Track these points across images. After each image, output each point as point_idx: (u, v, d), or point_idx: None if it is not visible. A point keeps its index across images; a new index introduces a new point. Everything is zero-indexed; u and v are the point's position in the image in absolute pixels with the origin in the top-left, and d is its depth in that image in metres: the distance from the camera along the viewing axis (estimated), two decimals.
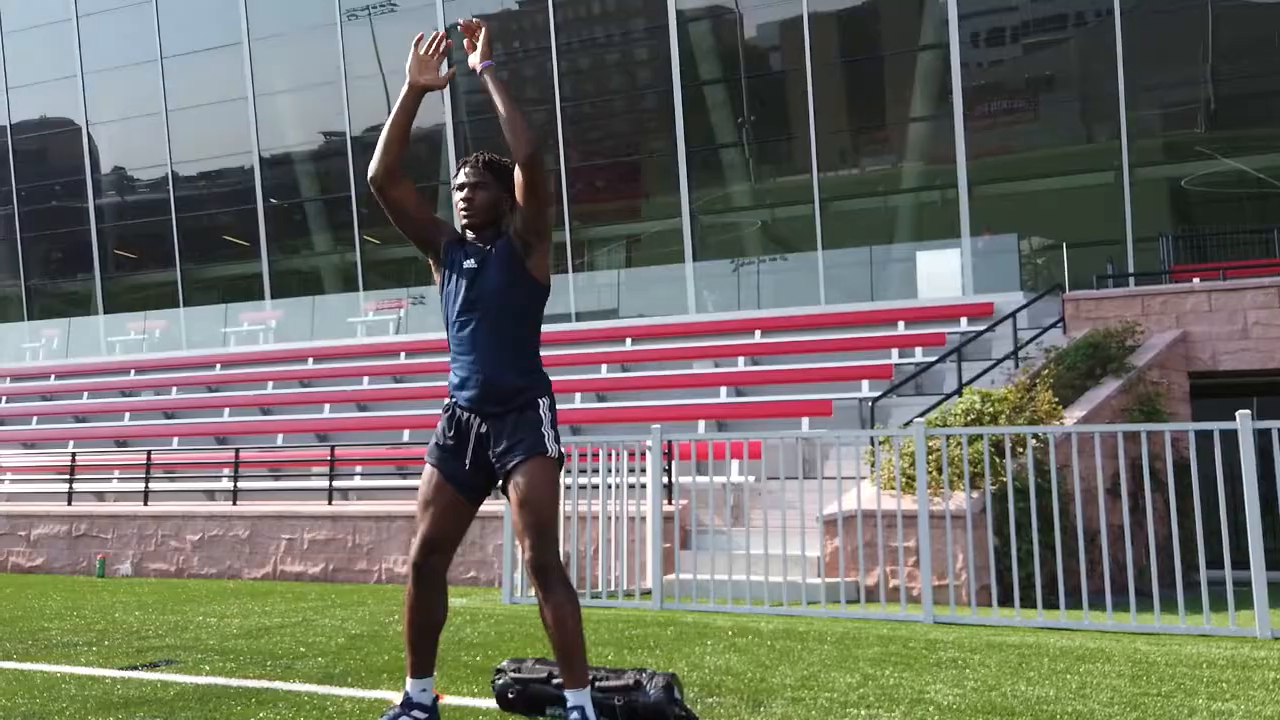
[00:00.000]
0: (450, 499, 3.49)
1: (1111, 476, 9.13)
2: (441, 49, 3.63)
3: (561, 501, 3.53)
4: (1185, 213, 17.47)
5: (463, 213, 3.52)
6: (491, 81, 3.49)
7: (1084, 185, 17.42)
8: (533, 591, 3.37)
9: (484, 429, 3.46)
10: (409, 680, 3.51)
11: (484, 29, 3.58)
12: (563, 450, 3.53)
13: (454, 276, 3.52)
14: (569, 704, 3.36)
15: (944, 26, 17.55)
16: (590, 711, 3.35)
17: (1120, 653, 5.62)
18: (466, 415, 3.49)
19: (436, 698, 3.55)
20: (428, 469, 3.56)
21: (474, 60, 3.56)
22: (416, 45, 3.62)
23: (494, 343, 3.45)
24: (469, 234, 3.56)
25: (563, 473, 3.55)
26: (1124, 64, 16.49)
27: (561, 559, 3.46)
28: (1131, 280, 14.73)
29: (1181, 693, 4.47)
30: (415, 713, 3.45)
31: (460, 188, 3.53)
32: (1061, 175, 17.47)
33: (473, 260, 3.49)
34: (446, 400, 3.58)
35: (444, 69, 3.65)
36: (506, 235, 3.50)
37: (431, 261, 3.64)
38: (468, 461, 3.46)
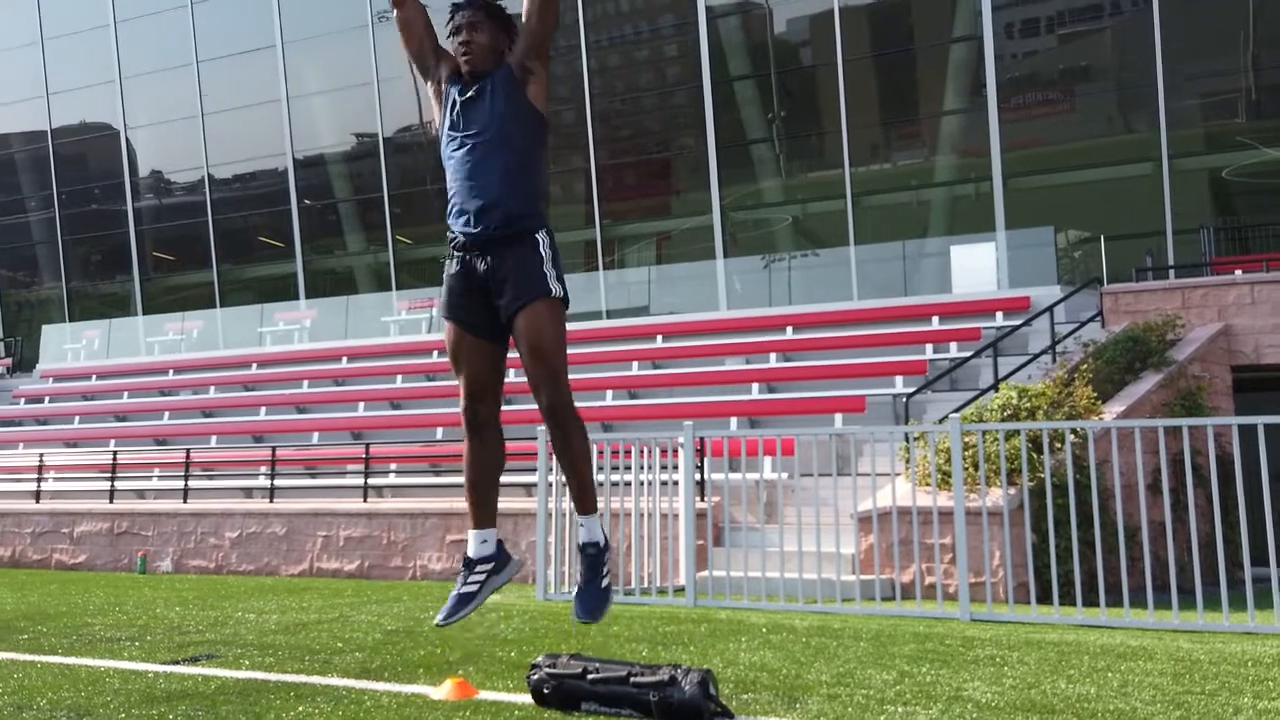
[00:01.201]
0: (476, 346, 3.47)
1: (1152, 472, 8.98)
2: None
3: (565, 338, 3.47)
4: (1226, 204, 17.14)
5: (463, 57, 3.44)
6: None
7: (1122, 177, 17.14)
8: (552, 440, 3.43)
9: (484, 266, 3.39)
10: (470, 534, 3.52)
11: None
12: (566, 290, 3.46)
13: (452, 107, 3.48)
14: (581, 538, 3.48)
15: (977, 18, 17.34)
16: (600, 538, 3.48)
17: (1162, 650, 5.53)
18: (468, 255, 3.43)
19: (501, 541, 3.58)
20: (447, 325, 3.53)
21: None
22: None
23: (490, 166, 3.40)
24: (469, 75, 3.49)
25: (565, 311, 3.46)
26: (1162, 53, 16.20)
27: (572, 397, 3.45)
28: (1171, 273, 14.48)
29: (1226, 691, 4.38)
30: (479, 568, 3.47)
31: (458, 30, 3.45)
32: (1099, 167, 17.20)
33: (471, 90, 3.44)
34: (449, 238, 3.51)
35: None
36: (506, 64, 3.43)
37: (431, 92, 3.59)
38: (479, 304, 3.42)
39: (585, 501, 3.52)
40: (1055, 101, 17.63)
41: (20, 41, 25.60)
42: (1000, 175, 17.10)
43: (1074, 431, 8.40)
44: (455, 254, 3.48)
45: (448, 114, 3.49)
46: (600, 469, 8.39)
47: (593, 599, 3.44)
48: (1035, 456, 8.37)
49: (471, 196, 3.41)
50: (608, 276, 19.69)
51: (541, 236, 3.44)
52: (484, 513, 3.53)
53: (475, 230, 3.40)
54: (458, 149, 3.45)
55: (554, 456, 3.46)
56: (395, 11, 3.59)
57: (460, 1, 3.49)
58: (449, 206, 3.50)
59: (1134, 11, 16.82)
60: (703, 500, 9.46)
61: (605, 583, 3.47)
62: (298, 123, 22.85)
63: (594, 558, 3.48)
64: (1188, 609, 6.71)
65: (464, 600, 3.44)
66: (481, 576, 3.47)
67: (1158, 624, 6.54)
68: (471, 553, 3.51)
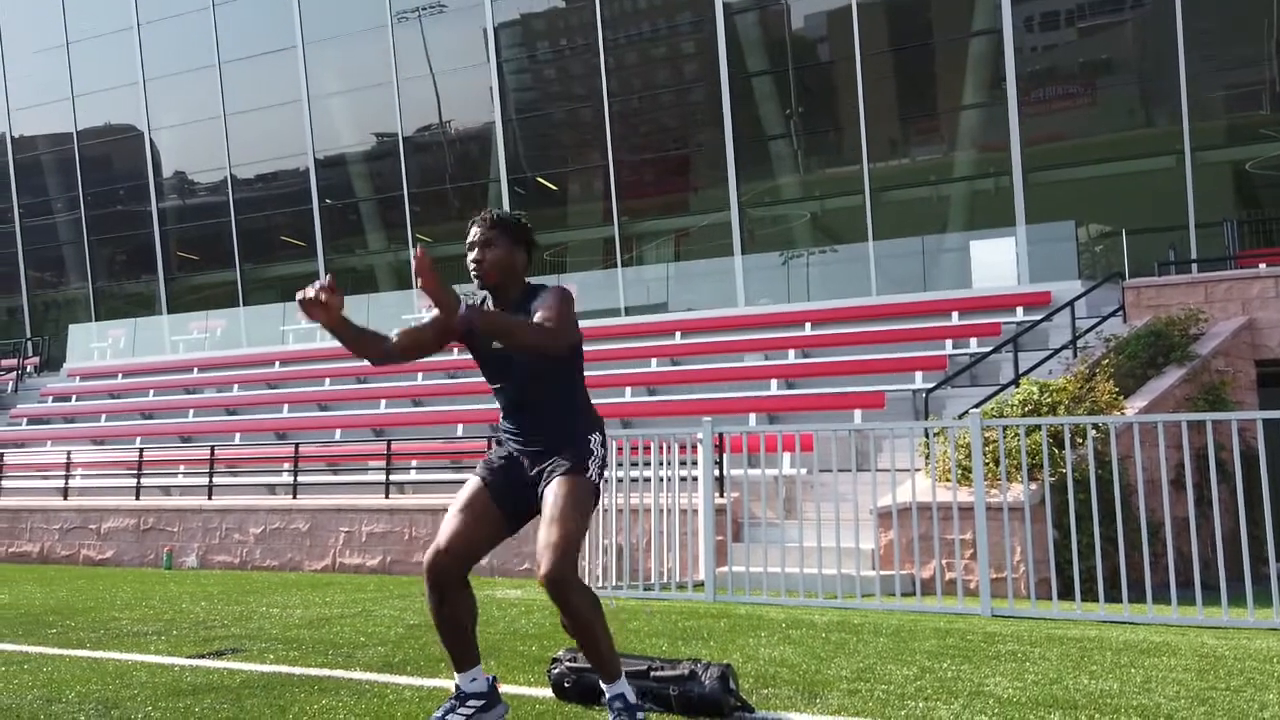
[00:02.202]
0: (486, 508, 3.45)
1: (1175, 467, 8.92)
2: (309, 301, 3.20)
3: (587, 524, 3.46)
4: (1250, 197, 16.95)
5: (474, 274, 3.43)
6: (481, 325, 3.19)
7: (1144, 170, 16.99)
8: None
9: (530, 463, 3.46)
10: (456, 676, 3.50)
11: (424, 269, 3.10)
12: (602, 482, 3.48)
13: (479, 348, 3.50)
14: (608, 695, 3.35)
15: (996, 11, 17.22)
16: (630, 696, 3.36)
17: (1186, 647, 5.50)
18: (517, 453, 3.51)
19: (494, 680, 3.55)
20: (473, 478, 3.54)
21: (447, 319, 3.21)
22: (301, 309, 3.26)
23: (534, 406, 3.45)
24: (485, 295, 3.49)
25: (595, 498, 3.46)
26: (1184, 45, 16.03)
27: (597, 558, 3.46)
28: (1194, 267, 14.33)
29: (1251, 687, 4.35)
30: (471, 702, 3.44)
31: (470, 247, 3.44)
32: (1120, 160, 17.05)
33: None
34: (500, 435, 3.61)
35: (329, 288, 3.26)
36: (527, 309, 3.36)
37: (467, 344, 3.58)
38: (514, 482, 3.46)
39: (605, 671, 3.36)
40: (1076, 95, 17.48)
41: (46, 45, 25.91)
42: (1020, 170, 16.98)
43: (1096, 426, 8.35)
44: (505, 445, 3.54)
45: (479, 352, 3.52)
46: (620, 465, 8.42)
47: None
48: (1056, 452, 8.32)
49: (520, 434, 3.49)
50: (626, 273, 19.71)
51: (594, 437, 3.47)
52: (464, 658, 3.46)
53: (523, 442, 3.49)
54: (499, 392, 3.50)
55: (564, 628, 3.39)
56: (397, 352, 3.50)
57: (476, 216, 3.48)
58: (501, 408, 3.55)
59: (1155, 3, 16.64)
60: (722, 496, 9.47)
61: None
62: (318, 123, 23.01)
63: (621, 712, 3.31)
64: (1212, 605, 6.65)
65: None
66: (470, 711, 3.41)
67: (1181, 620, 6.50)
68: (463, 686, 3.45)
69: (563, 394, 3.48)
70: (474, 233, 3.44)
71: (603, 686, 3.39)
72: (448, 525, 3.44)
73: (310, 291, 3.18)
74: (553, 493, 3.34)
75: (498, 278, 3.43)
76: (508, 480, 3.48)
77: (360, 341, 3.40)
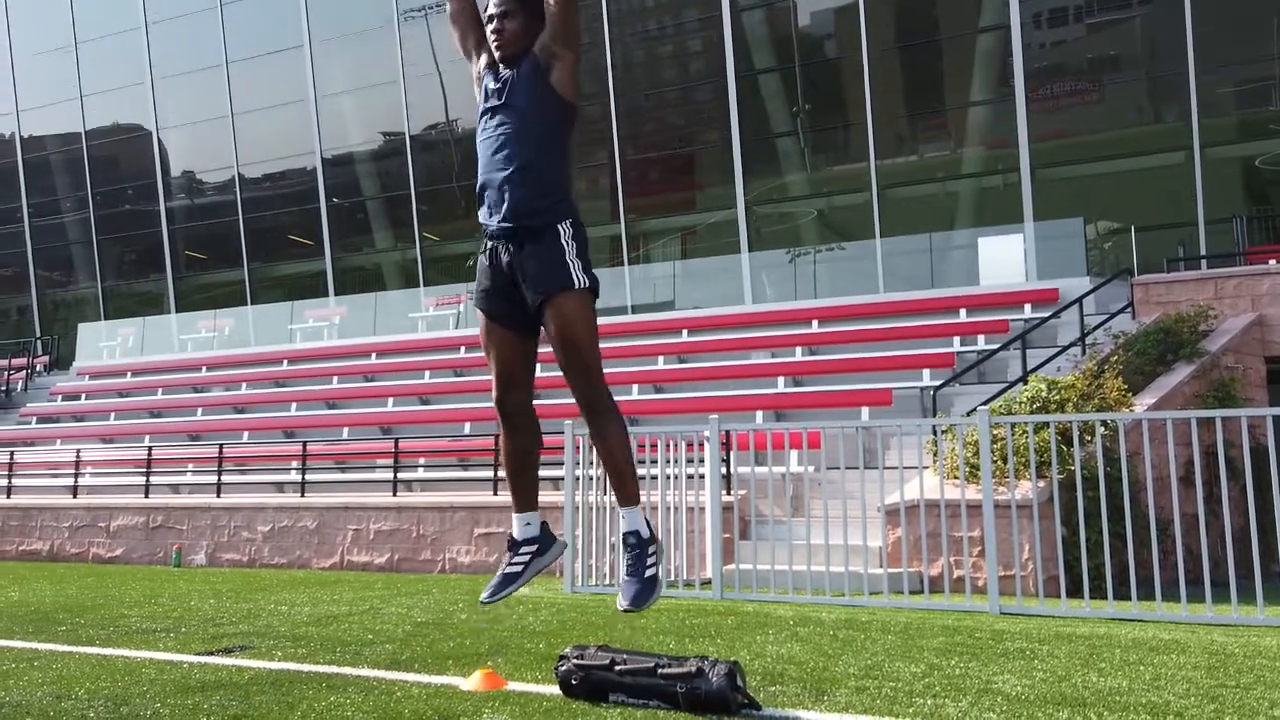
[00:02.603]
0: (504, 337, 3.47)
1: (1185, 464, 8.88)
2: None
3: (596, 328, 3.43)
4: (1259, 193, 16.86)
5: (495, 44, 3.44)
6: None
7: (1153, 167, 16.91)
8: (599, 473, 3.40)
9: (508, 258, 3.39)
10: (514, 517, 3.58)
11: None
12: (593, 278, 3.42)
13: (485, 97, 3.50)
14: (624, 527, 3.45)
15: (1004, 7, 17.16)
16: (644, 530, 3.44)
17: (1196, 644, 5.47)
18: (494, 245, 3.45)
19: (545, 523, 3.61)
20: (478, 315, 3.55)
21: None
22: None
23: (513, 153, 3.38)
24: (502, 65, 3.49)
25: (593, 301, 3.43)
26: (1193, 40, 15.95)
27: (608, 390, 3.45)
28: (1204, 263, 14.27)
29: (1261, 685, 4.33)
30: (524, 549, 3.52)
31: (490, 19, 3.45)
32: (1129, 157, 16.98)
33: (500, 79, 3.45)
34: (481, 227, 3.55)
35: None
36: (532, 52, 3.40)
37: (475, 85, 3.60)
38: (507, 295, 3.42)
39: (623, 492, 3.49)
40: (1084, 91, 17.41)
41: (54, 45, 26.00)
42: (1028, 166, 16.92)
43: (1104, 423, 8.32)
44: (485, 243, 3.51)
45: (480, 104, 3.51)
46: None
47: (634, 587, 3.39)
48: (1065, 449, 8.29)
49: (491, 187, 3.42)
50: (633, 272, 19.70)
51: (564, 227, 3.40)
52: (524, 498, 3.57)
53: (495, 222, 3.41)
54: (483, 138, 3.47)
55: (592, 449, 3.45)
56: (448, 4, 3.65)
57: None
58: (477, 192, 3.51)
59: None
60: (729, 494, 9.46)
61: (650, 573, 3.41)
62: (326, 122, 23.05)
63: (635, 548, 3.42)
64: (1221, 602, 6.63)
65: (508, 579, 3.49)
66: (525, 557, 3.51)
67: (1191, 617, 6.47)
68: (516, 534, 3.56)
69: (548, 149, 3.42)
70: (494, 3, 3.44)
71: (620, 509, 3.49)
72: (493, 366, 3.51)
73: None
74: (555, 318, 3.33)
75: (516, 47, 3.42)
76: (502, 300, 3.45)
77: None
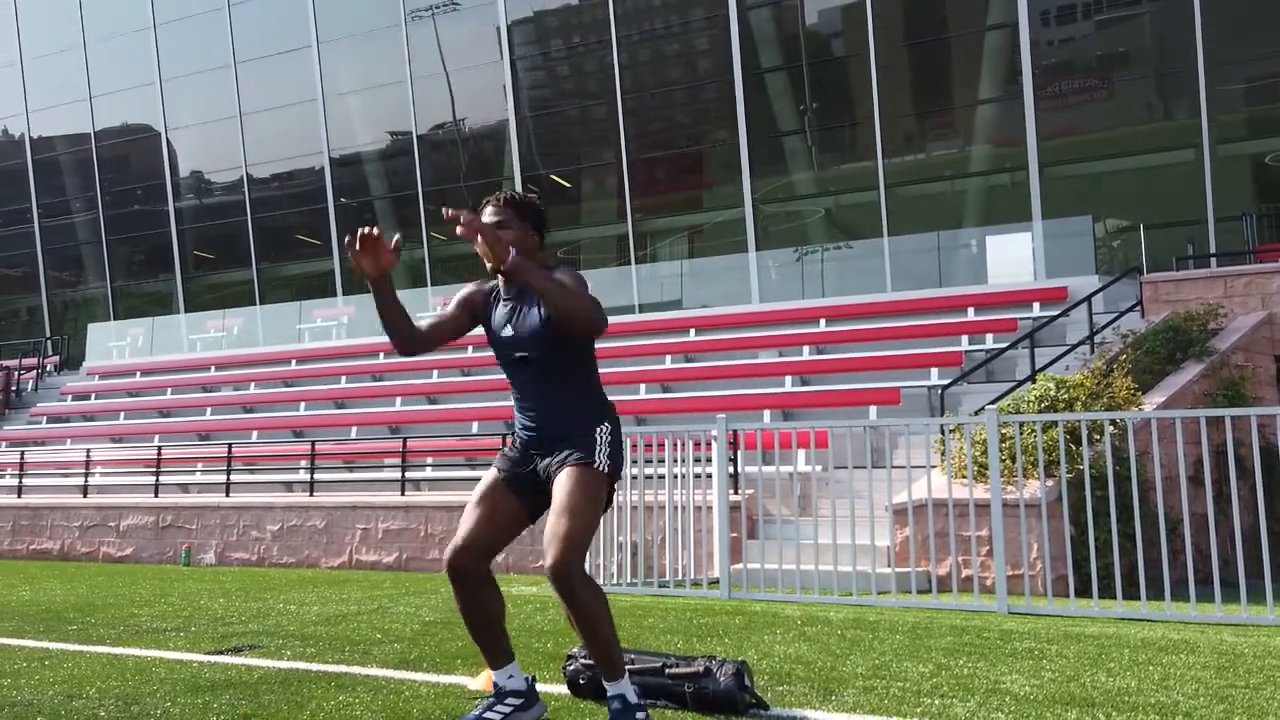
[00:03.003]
0: (505, 503, 3.46)
1: (1194, 463, 8.85)
2: (366, 237, 3.27)
3: (599, 515, 3.44)
4: (1270, 190, 16.77)
5: (486, 255, 3.36)
6: (528, 277, 3.14)
7: (1162, 164, 16.85)
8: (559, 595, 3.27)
9: (544, 455, 3.45)
10: (494, 672, 3.51)
11: (469, 220, 3.12)
12: (615, 471, 3.42)
13: (494, 331, 3.50)
14: (609, 694, 3.31)
15: (1012, 5, 17.11)
16: (631, 696, 3.31)
17: (1205, 644, 5.46)
18: (530, 449, 3.51)
19: (531, 680, 3.54)
20: (491, 471, 3.56)
21: (499, 262, 3.17)
22: (350, 245, 3.27)
23: (546, 390, 3.42)
24: (498, 280, 3.48)
25: (607, 489, 3.42)
26: (1203, 37, 15.88)
27: (611, 556, 3.45)
28: (1213, 261, 14.21)
29: (1271, 685, 4.32)
30: (510, 700, 3.43)
31: None
32: (1138, 154, 16.92)
33: (507, 313, 3.45)
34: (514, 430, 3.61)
35: (391, 242, 3.30)
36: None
37: (484, 330, 3.59)
38: (529, 476, 3.47)
39: (608, 668, 3.29)
40: (1093, 88, 17.34)
41: (63, 46, 26.12)
42: (1036, 164, 16.87)
43: (1113, 422, 8.29)
44: (518, 441, 3.54)
45: (493, 335, 3.49)
46: (634, 462, 8.42)
47: None
48: (1074, 448, 8.27)
49: (533, 420, 3.46)
50: (640, 271, 19.71)
51: (600, 431, 3.42)
52: (497, 654, 3.47)
53: (536, 433, 3.47)
54: (509, 366, 3.47)
55: (569, 621, 3.33)
56: (422, 352, 3.55)
57: (491, 197, 3.45)
58: (514, 417, 3.56)
59: None
60: (736, 493, 9.47)
61: None
62: (333, 122, 23.11)
63: (619, 713, 3.25)
64: (1231, 602, 6.61)
65: None
66: (508, 709, 3.40)
67: (1200, 617, 6.45)
68: (500, 683, 3.45)
69: (576, 382, 3.46)
70: (487, 213, 3.42)
71: (605, 684, 3.35)
72: (465, 520, 3.46)
73: (370, 230, 3.18)
74: (562, 485, 3.32)
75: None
76: (524, 472, 3.49)
77: (394, 310, 3.34)
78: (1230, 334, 11.42)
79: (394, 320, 3.36)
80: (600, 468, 3.35)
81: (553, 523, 3.28)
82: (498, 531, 3.47)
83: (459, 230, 3.14)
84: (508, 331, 3.43)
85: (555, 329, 3.31)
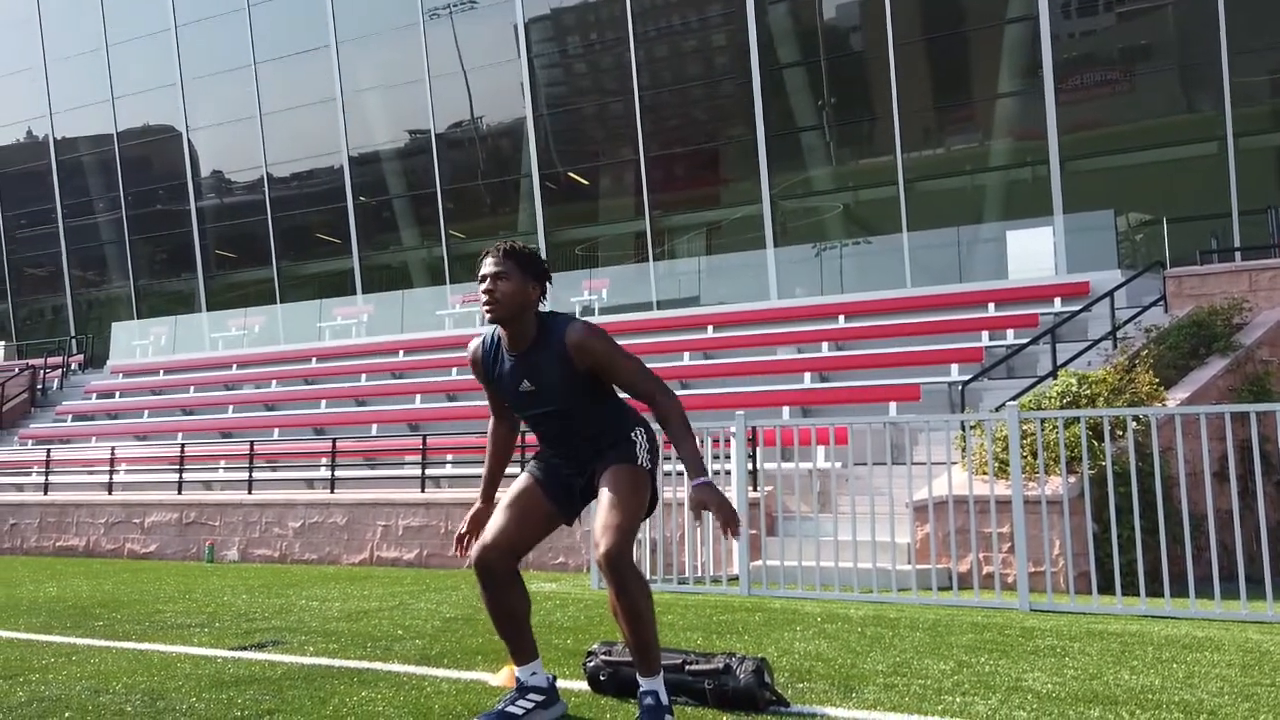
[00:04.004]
0: (537, 506, 3.52)
1: (1218, 459, 8.76)
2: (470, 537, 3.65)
3: (643, 507, 3.51)
4: None
5: (485, 306, 3.37)
6: (701, 470, 3.38)
7: (1185, 157, 16.67)
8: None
9: (580, 473, 3.55)
10: (516, 668, 3.55)
11: (734, 530, 3.28)
12: (655, 470, 3.52)
13: (505, 382, 3.49)
14: (641, 689, 3.35)
15: None
16: (663, 695, 3.34)
17: (1230, 641, 5.41)
18: (567, 471, 3.60)
19: (553, 678, 3.58)
20: (525, 475, 3.59)
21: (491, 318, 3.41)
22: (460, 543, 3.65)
23: (573, 431, 3.48)
24: (498, 332, 3.48)
25: (649, 483, 3.52)
26: (1226, 28, 15.70)
27: (639, 547, 3.52)
28: (1238, 255, 14.05)
29: None
30: (531, 695, 3.47)
31: (482, 279, 3.38)
32: (1161, 147, 16.75)
33: (521, 370, 3.43)
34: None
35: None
36: (562, 342, 3.36)
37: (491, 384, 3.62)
38: (564, 482, 3.54)
39: (644, 662, 3.34)
40: (1114, 81, 17.18)
41: (86, 48, 26.38)
42: (1058, 158, 16.74)
43: (1136, 418, 8.22)
44: (554, 469, 3.61)
45: (503, 375, 3.50)
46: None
47: None
48: (1096, 444, 8.21)
49: (565, 457, 3.55)
50: (658, 267, 19.71)
51: (637, 434, 3.52)
52: (522, 651, 3.51)
53: (573, 463, 3.57)
54: (534, 425, 3.54)
55: (613, 612, 3.37)
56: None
57: (490, 248, 3.45)
58: (541, 441, 3.62)
59: None
60: (756, 490, 9.46)
61: None
62: (352, 121, 23.22)
63: (650, 709, 3.29)
64: (1256, 599, 6.54)
65: (506, 719, 3.39)
66: (530, 705, 3.44)
67: (1225, 614, 6.39)
68: (523, 679, 3.49)
69: (602, 412, 3.52)
70: (486, 264, 3.39)
71: (638, 678, 3.39)
72: (494, 520, 3.51)
73: (465, 539, 3.65)
74: (608, 478, 3.40)
75: (508, 310, 3.38)
76: (558, 474, 3.55)
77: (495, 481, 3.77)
78: (1255, 328, 11.29)
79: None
80: (643, 464, 3.46)
81: (602, 514, 3.35)
82: (527, 533, 3.52)
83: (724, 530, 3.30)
84: (526, 386, 3.43)
85: (573, 380, 3.38)
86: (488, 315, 3.40)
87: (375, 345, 19.76)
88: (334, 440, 14.45)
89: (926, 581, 7.86)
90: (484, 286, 3.37)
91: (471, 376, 17.16)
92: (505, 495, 3.58)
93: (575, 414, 3.43)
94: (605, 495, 3.37)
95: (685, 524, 8.67)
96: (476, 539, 3.53)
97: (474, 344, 3.60)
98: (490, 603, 3.48)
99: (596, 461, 3.49)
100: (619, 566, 3.24)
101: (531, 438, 3.73)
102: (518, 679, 3.52)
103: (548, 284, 3.46)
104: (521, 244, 3.46)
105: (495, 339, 3.52)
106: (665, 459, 8.64)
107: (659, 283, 19.28)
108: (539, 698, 3.47)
